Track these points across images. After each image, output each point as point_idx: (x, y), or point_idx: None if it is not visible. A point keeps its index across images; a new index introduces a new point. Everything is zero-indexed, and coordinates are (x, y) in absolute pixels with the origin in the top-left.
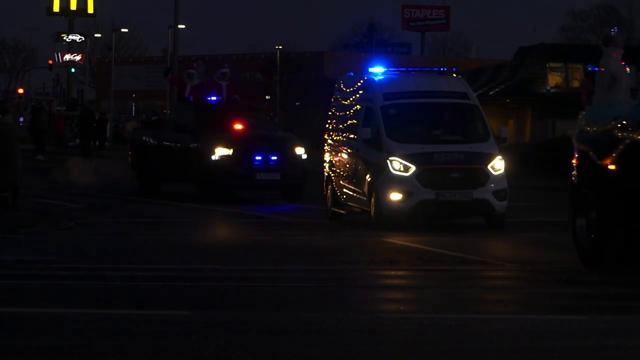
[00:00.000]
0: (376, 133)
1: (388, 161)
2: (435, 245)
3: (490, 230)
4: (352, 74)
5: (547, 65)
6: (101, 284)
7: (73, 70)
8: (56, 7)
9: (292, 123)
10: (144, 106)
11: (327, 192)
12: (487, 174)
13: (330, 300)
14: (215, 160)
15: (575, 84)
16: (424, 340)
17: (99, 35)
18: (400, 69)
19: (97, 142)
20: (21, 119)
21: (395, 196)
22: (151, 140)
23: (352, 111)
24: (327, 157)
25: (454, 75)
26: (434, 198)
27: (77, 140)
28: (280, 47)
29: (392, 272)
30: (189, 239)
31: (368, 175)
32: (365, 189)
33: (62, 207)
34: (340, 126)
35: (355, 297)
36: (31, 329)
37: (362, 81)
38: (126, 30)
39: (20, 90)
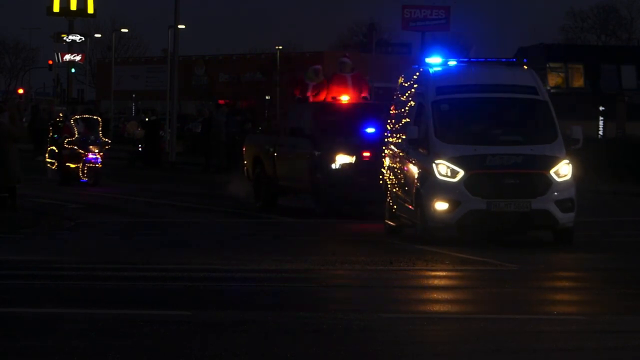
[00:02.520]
0: (424, 132)
1: (433, 164)
2: (436, 245)
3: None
4: (416, 66)
5: (547, 65)
6: (101, 284)
7: (73, 70)
8: (56, 7)
9: None
10: (143, 106)
11: (385, 203)
12: (550, 181)
13: (330, 300)
14: (335, 170)
15: (576, 84)
16: (424, 340)
17: (99, 35)
18: (462, 59)
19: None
20: (24, 120)
21: (441, 205)
22: (266, 146)
23: (406, 108)
24: (386, 161)
25: (524, 67)
26: (485, 208)
27: None
28: (280, 47)
29: (392, 272)
30: (189, 239)
31: (415, 182)
32: (413, 197)
33: (62, 207)
34: (397, 126)
35: (355, 297)
36: (31, 329)
37: (417, 74)
38: (126, 30)
39: (20, 90)
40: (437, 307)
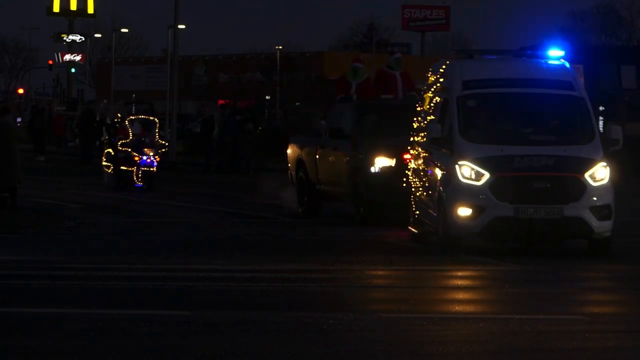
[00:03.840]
0: (448, 130)
1: (457, 166)
2: (434, 245)
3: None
4: (445, 60)
5: None
6: (101, 284)
7: (73, 70)
8: (56, 7)
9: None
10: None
11: (410, 207)
12: (584, 185)
13: (330, 300)
14: (374, 173)
15: None
16: (424, 341)
17: (99, 35)
18: (489, 50)
19: (98, 143)
20: (19, 119)
21: (464, 211)
22: (307, 148)
23: (432, 104)
24: (410, 163)
25: (561, 60)
26: (512, 215)
27: (77, 141)
28: (280, 47)
29: (392, 272)
30: (189, 239)
31: (437, 185)
32: (435, 201)
33: (62, 207)
34: (422, 124)
35: (355, 297)
36: (31, 329)
37: (444, 67)
38: (126, 30)
39: (20, 90)
40: (437, 307)
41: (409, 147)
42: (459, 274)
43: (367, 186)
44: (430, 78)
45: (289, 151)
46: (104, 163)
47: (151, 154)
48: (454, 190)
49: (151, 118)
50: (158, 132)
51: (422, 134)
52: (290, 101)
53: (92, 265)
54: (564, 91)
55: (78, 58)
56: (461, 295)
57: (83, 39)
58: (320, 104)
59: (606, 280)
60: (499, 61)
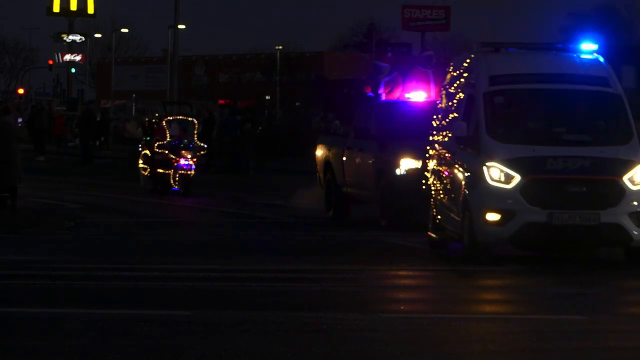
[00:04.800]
0: (474, 129)
1: (484, 167)
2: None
3: None
4: (468, 54)
5: None
6: (101, 284)
7: (73, 70)
8: (56, 7)
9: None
10: (143, 106)
11: (429, 211)
12: (623, 189)
13: (330, 300)
14: (399, 176)
15: None
16: (424, 341)
17: (99, 35)
18: (517, 43)
19: (97, 143)
20: (20, 120)
21: (492, 216)
22: (335, 149)
23: (455, 101)
24: (430, 164)
25: (594, 55)
26: (545, 221)
27: (77, 141)
28: (280, 47)
29: (392, 272)
30: (189, 239)
31: (462, 187)
32: (460, 205)
33: (62, 207)
34: (443, 122)
35: (355, 297)
36: (31, 329)
37: (468, 61)
38: (126, 30)
39: (21, 91)
40: (437, 307)
41: (428, 147)
42: (458, 274)
43: (392, 189)
44: (451, 73)
45: (317, 153)
46: (141, 165)
47: (189, 156)
48: (482, 193)
49: (190, 119)
50: (197, 133)
51: (444, 133)
52: (290, 101)
53: (92, 265)
54: (598, 87)
55: (78, 58)
56: (461, 296)
57: (83, 39)
58: (320, 104)
59: None
60: (529, 55)
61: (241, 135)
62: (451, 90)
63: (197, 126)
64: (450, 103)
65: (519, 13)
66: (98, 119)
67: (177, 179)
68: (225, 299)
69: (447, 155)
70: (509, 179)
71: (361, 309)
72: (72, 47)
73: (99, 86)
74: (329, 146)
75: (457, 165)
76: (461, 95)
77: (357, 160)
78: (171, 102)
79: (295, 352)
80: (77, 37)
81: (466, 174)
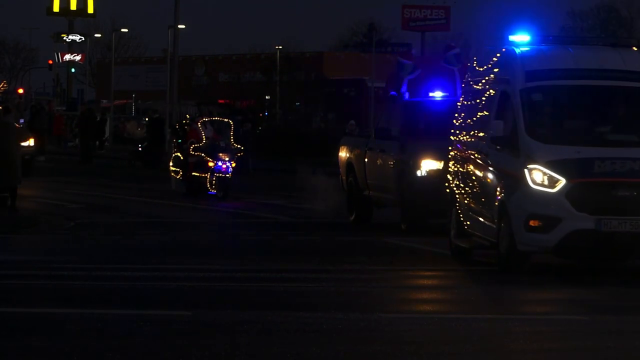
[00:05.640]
0: (512, 129)
1: (525, 170)
2: (436, 245)
3: None
4: (492, 47)
5: None
6: (101, 284)
7: (73, 70)
8: (56, 7)
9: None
10: (143, 106)
11: (450, 217)
12: None
13: (330, 300)
14: (420, 178)
15: None
16: (424, 341)
17: (99, 35)
18: (553, 36)
19: (97, 143)
20: (22, 120)
21: (535, 223)
22: (357, 150)
23: (483, 98)
24: (451, 166)
25: (634, 48)
26: (593, 228)
27: (77, 141)
28: (280, 47)
29: (392, 272)
30: (189, 239)
31: (498, 192)
32: (495, 211)
33: (62, 207)
34: (469, 121)
35: (355, 297)
36: (31, 329)
37: (498, 55)
38: (126, 30)
39: (20, 90)
40: (437, 307)
41: (450, 148)
42: (459, 274)
43: (413, 191)
44: (477, 68)
45: (339, 154)
46: (172, 168)
47: (226, 159)
48: (523, 198)
49: (225, 120)
50: (233, 135)
51: (472, 132)
52: (290, 101)
53: (92, 265)
54: None
55: (78, 58)
56: (461, 296)
57: (83, 39)
58: (320, 103)
59: None
60: (567, 49)
61: (241, 135)
62: (477, 87)
63: (232, 127)
64: (477, 100)
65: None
66: (98, 119)
67: (213, 182)
68: (225, 299)
69: (476, 156)
70: (553, 182)
71: (361, 309)
72: (72, 47)
73: (99, 86)
74: (351, 147)
75: (490, 168)
76: (491, 91)
77: (379, 161)
78: (206, 103)
79: (295, 352)
80: (77, 37)
81: (503, 177)
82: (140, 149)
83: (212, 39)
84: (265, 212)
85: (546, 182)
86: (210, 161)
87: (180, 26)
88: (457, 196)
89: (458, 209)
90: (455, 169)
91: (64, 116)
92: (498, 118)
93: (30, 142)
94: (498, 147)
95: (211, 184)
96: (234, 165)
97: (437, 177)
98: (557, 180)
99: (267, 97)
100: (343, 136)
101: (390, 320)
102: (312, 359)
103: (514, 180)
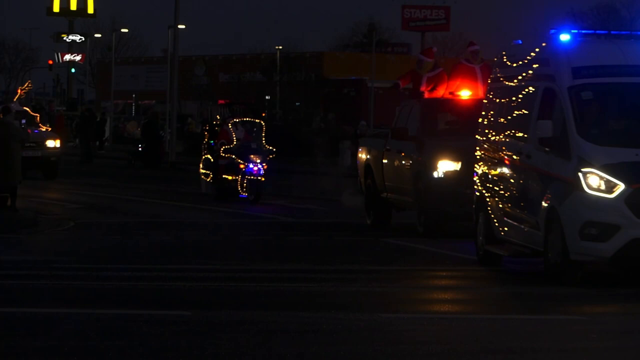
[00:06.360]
0: (561, 129)
1: (580, 174)
2: (436, 245)
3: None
4: (519, 41)
5: None
6: (101, 284)
7: (73, 70)
8: (56, 7)
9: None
10: (143, 106)
11: (477, 222)
12: None
13: (330, 300)
14: (436, 179)
15: None
16: (424, 341)
17: (99, 35)
18: (598, 32)
19: (97, 142)
20: (23, 120)
21: (591, 231)
22: (375, 152)
23: (520, 96)
24: (479, 167)
25: None
26: None
27: (77, 141)
28: (280, 47)
29: (392, 272)
30: (189, 239)
31: (545, 197)
32: (541, 217)
33: (62, 207)
34: (501, 120)
35: (355, 297)
36: (31, 329)
37: (537, 50)
38: (126, 30)
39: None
40: (437, 307)
41: (477, 148)
42: (459, 274)
43: (429, 193)
44: (508, 63)
45: (358, 156)
46: (202, 171)
47: (258, 160)
48: (577, 204)
49: (257, 120)
50: (264, 136)
51: (508, 132)
52: (290, 101)
53: (92, 265)
54: None
55: (78, 58)
56: (461, 296)
57: (83, 39)
58: (320, 103)
59: None
60: (618, 43)
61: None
62: (510, 84)
63: (264, 128)
64: (513, 98)
65: (519, 13)
66: (98, 119)
67: (245, 185)
68: (225, 299)
69: (514, 157)
70: (610, 187)
71: (361, 309)
72: (72, 47)
73: (99, 86)
74: (369, 149)
75: (535, 170)
76: (530, 89)
77: (396, 163)
78: (238, 103)
79: (295, 352)
80: (77, 37)
81: (552, 181)
82: (140, 149)
83: (212, 39)
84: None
85: (603, 187)
86: (241, 163)
87: (180, 26)
88: (488, 200)
89: (491, 214)
90: (484, 170)
91: (64, 116)
92: (542, 117)
93: (57, 143)
94: (547, 148)
95: (242, 187)
96: (265, 167)
97: (454, 178)
98: (615, 185)
99: (267, 97)
100: (354, 137)
101: (390, 320)
102: (312, 359)
103: (565, 185)
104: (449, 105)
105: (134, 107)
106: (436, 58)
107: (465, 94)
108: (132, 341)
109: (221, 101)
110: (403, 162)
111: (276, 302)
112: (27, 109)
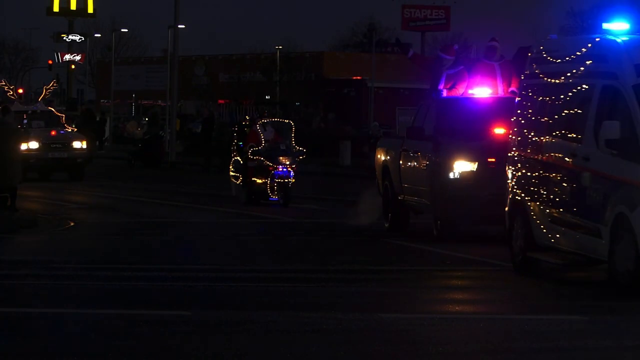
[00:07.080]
0: (629, 131)
1: None
2: (436, 245)
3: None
4: (555, 36)
5: None
6: (101, 284)
7: (72, 67)
8: (56, 7)
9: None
10: (143, 106)
11: (514, 227)
12: None
13: (330, 300)
14: (452, 180)
15: None
16: (424, 341)
17: (99, 35)
18: None
19: (98, 142)
20: (24, 120)
21: None
22: (392, 153)
23: (570, 94)
24: (515, 169)
25: None
26: None
27: None
28: (280, 47)
29: (392, 272)
30: (189, 239)
31: (610, 203)
32: (604, 225)
33: (62, 207)
34: (546, 119)
35: (355, 297)
36: (31, 329)
37: (589, 45)
38: (126, 30)
39: (20, 90)
40: (437, 307)
41: (513, 149)
42: (459, 274)
43: (444, 194)
44: (548, 59)
45: (376, 157)
46: (232, 173)
47: (287, 162)
48: None
49: (286, 121)
50: (294, 136)
51: (554, 133)
52: (290, 101)
53: (92, 265)
54: None
55: (78, 58)
56: (461, 296)
57: (83, 39)
58: (320, 103)
59: None
60: None
61: None
62: (554, 81)
63: (293, 129)
64: (560, 96)
65: (519, 13)
66: (98, 118)
67: (275, 188)
68: (225, 299)
69: (566, 159)
70: None
71: (361, 309)
72: (72, 47)
73: (99, 86)
74: (386, 149)
75: (594, 174)
76: (584, 86)
77: (413, 164)
78: (268, 102)
79: (295, 352)
80: (77, 37)
81: (620, 186)
82: (140, 148)
83: (212, 39)
84: (263, 211)
85: None
86: (270, 165)
87: (180, 26)
88: (529, 203)
89: (534, 219)
90: (523, 172)
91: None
92: (601, 117)
93: (83, 144)
94: (614, 151)
95: (272, 190)
96: (295, 168)
97: (471, 179)
98: None
99: (267, 97)
100: (369, 139)
101: (390, 320)
102: (312, 359)
103: (637, 190)
104: (469, 104)
105: (133, 107)
106: (457, 56)
107: (484, 92)
108: (132, 341)
109: (221, 101)
110: (419, 163)
111: (276, 302)
112: (52, 109)
